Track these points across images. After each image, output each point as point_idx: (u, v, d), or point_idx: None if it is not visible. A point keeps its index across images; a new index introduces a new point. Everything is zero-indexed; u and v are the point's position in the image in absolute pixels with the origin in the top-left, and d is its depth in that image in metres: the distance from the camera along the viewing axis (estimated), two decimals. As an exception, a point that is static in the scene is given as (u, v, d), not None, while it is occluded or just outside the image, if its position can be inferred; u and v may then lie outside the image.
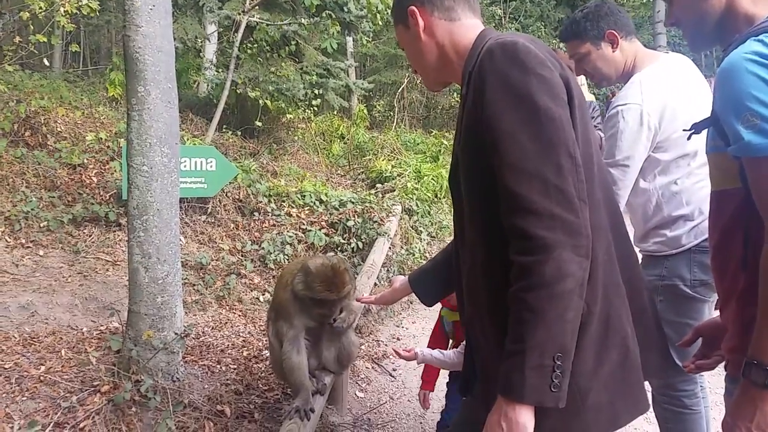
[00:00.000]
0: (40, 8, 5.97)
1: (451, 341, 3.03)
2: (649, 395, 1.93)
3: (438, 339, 3.07)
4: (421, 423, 3.72)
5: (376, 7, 8.03)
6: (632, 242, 1.61)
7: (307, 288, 2.59)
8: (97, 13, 7.67)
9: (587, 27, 2.54)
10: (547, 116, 1.28)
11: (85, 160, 6.35)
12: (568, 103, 1.34)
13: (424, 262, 6.66)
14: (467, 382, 1.71)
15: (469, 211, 1.46)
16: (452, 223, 1.68)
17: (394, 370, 4.38)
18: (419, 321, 5.48)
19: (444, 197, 8.72)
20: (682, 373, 2.40)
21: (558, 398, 1.24)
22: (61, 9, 6.12)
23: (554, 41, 18.21)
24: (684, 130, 1.79)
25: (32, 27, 6.48)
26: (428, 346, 3.00)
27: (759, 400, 1.29)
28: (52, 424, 2.73)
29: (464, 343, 2.86)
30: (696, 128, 1.60)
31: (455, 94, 16.99)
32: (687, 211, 2.37)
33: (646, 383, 1.54)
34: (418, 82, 17.50)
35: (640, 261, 2.33)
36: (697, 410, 2.52)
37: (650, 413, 3.63)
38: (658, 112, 2.33)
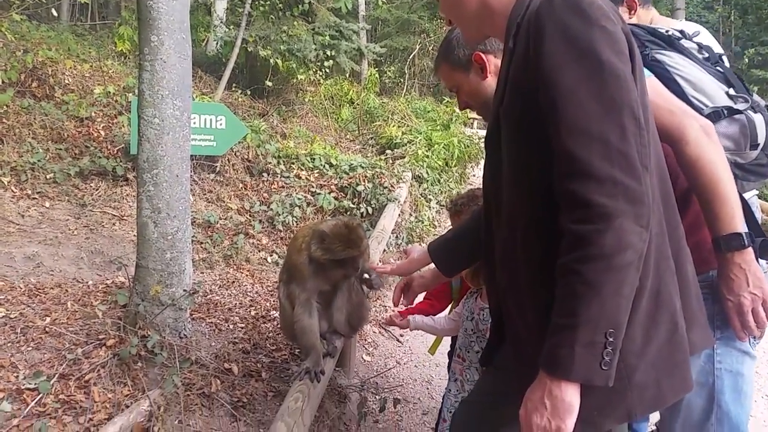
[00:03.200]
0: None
1: (452, 303, 2.97)
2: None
3: (441, 295, 3.01)
4: (428, 389, 3.70)
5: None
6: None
7: (326, 251, 2.52)
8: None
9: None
10: (611, 73, 1.17)
11: (93, 114, 6.25)
12: (630, 60, 1.24)
13: (433, 230, 6.63)
14: (491, 352, 1.64)
15: (511, 175, 1.35)
16: (482, 189, 1.58)
17: (401, 335, 4.34)
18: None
19: (455, 166, 8.61)
20: None
21: (608, 376, 1.16)
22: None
23: None
24: None
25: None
26: (425, 298, 2.99)
27: (743, 262, 1.57)
28: (57, 375, 2.69)
29: (456, 309, 2.83)
30: None
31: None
32: None
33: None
34: (430, 48, 17.25)
35: None
36: None
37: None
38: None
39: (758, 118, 1.73)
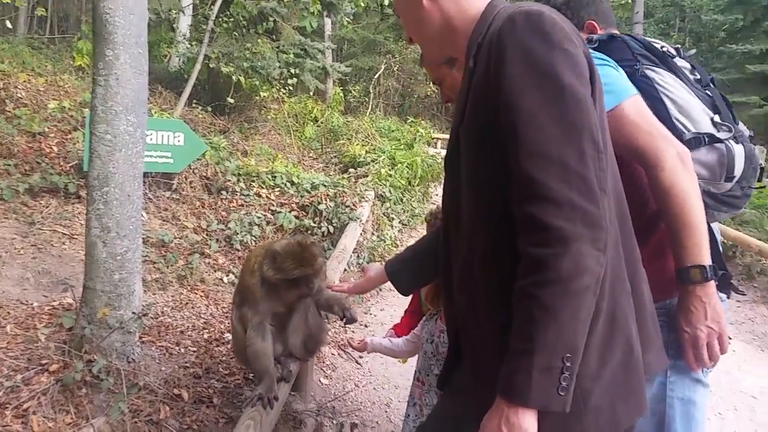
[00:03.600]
0: (3, -34, 5.67)
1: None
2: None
3: (412, 313, 3.01)
4: (386, 411, 3.63)
5: (359, -11, 7.88)
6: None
7: (279, 270, 2.46)
8: (66, -24, 7.34)
9: (567, 15, 2.42)
10: (572, 96, 1.17)
11: (46, 129, 6.07)
12: (590, 83, 1.23)
13: (395, 249, 6.60)
14: (448, 375, 1.61)
15: (470, 196, 1.33)
16: (442, 209, 1.56)
17: (360, 357, 4.27)
18: (387, 308, 5.38)
19: (417, 185, 8.63)
20: None
21: (565, 402, 1.14)
22: (26, -33, 5.81)
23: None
24: None
25: (-6, -14, 6.15)
26: (402, 319, 3.02)
27: (704, 296, 1.56)
28: (-8, 404, 2.55)
29: (414, 331, 2.80)
30: None
31: (431, 84, 16.91)
32: None
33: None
34: (395, 69, 17.42)
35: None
36: None
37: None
38: None
39: (738, 150, 1.72)
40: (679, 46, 1.94)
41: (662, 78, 1.77)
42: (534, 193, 1.14)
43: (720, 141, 1.70)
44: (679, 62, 1.84)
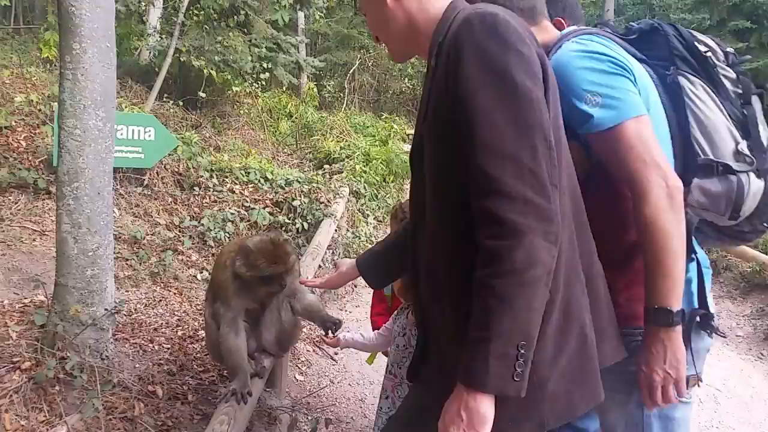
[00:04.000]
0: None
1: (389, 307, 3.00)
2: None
3: (378, 304, 3.06)
4: (361, 407, 3.67)
5: (332, -18, 7.86)
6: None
7: (250, 268, 2.47)
8: (32, -34, 7.18)
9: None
10: (524, 96, 1.22)
11: (13, 123, 5.94)
12: (543, 83, 1.28)
13: (370, 245, 6.63)
14: (416, 366, 1.65)
15: (432, 191, 1.38)
16: (409, 205, 1.60)
17: (335, 353, 4.31)
18: (363, 306, 5.42)
19: (392, 182, 8.67)
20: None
21: (520, 388, 1.20)
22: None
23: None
24: None
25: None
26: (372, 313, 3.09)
27: (666, 340, 1.49)
28: (-38, 403, 2.52)
29: (386, 325, 2.85)
30: None
31: (406, 80, 16.94)
32: None
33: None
34: (370, 64, 17.38)
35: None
36: None
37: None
38: None
39: (756, 186, 1.62)
40: (732, 50, 1.75)
41: (694, 89, 1.65)
42: (489, 188, 1.20)
43: (734, 173, 1.60)
44: (723, 71, 1.69)
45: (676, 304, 1.49)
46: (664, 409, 1.60)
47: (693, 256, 1.63)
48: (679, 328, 1.50)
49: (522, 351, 1.18)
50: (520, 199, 1.18)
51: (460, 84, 1.25)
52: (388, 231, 7.72)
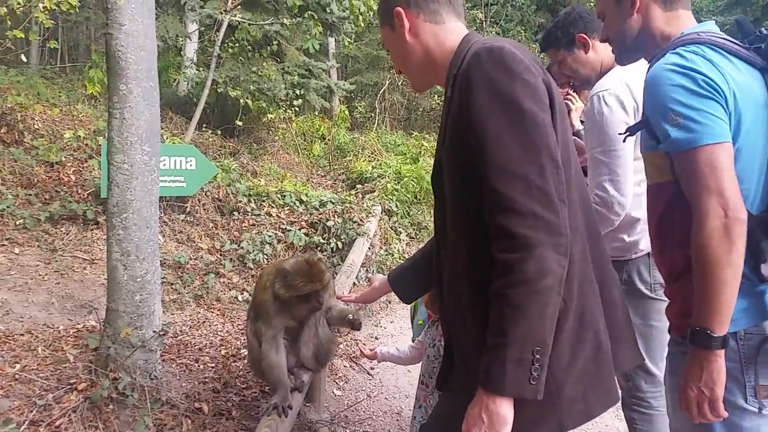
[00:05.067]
0: (18, 3, 5.91)
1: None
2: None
3: None
4: (397, 420, 3.77)
5: (359, 9, 8.06)
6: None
7: (289, 288, 2.62)
8: (77, 10, 7.58)
9: (558, 35, 2.69)
10: (531, 120, 1.33)
11: (63, 158, 6.29)
12: (549, 107, 1.40)
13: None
14: (444, 376, 1.76)
15: (452, 210, 1.49)
16: (433, 223, 1.73)
17: (372, 368, 4.42)
18: (397, 321, 5.53)
19: (424, 199, 8.78)
20: (649, 374, 2.49)
21: (537, 390, 1.29)
22: (40, 5, 6.04)
23: (534, 45, 18.38)
24: (620, 133, 2.06)
25: (9, 22, 6.40)
26: None
27: (704, 360, 1.52)
28: (27, 422, 2.72)
29: (419, 338, 2.95)
30: (631, 131, 1.85)
31: (436, 97, 17.05)
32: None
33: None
34: (400, 83, 17.56)
35: None
36: (664, 411, 2.58)
37: (620, 411, 3.72)
38: (637, 99, 2.35)
39: None
40: None
41: None
42: (501, 205, 1.31)
43: None
44: None
45: (719, 329, 1.50)
46: (730, 416, 1.60)
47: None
48: (720, 352, 1.52)
49: (537, 356, 1.27)
50: (530, 215, 1.28)
51: (472, 111, 1.37)
52: (421, 247, 7.81)
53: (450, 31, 1.59)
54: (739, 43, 1.69)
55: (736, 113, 1.57)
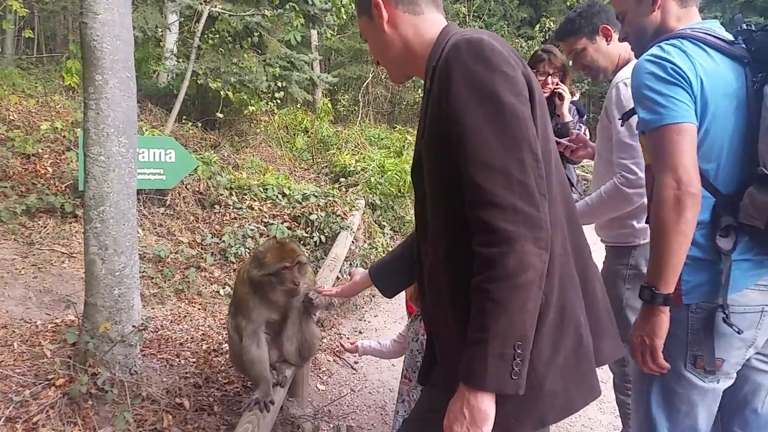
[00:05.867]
0: (-8, -8, 5.79)
1: None
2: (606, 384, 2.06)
3: None
4: (381, 415, 3.76)
5: (341, 1, 8.01)
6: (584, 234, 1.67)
7: (261, 267, 2.61)
8: (53, -1, 7.44)
9: (582, 23, 2.75)
10: (511, 113, 1.31)
11: (40, 150, 6.17)
12: (529, 100, 1.38)
13: (386, 255, 6.72)
14: (427, 370, 1.74)
15: (432, 204, 1.47)
16: (414, 217, 1.71)
17: (355, 362, 4.40)
18: (381, 314, 5.52)
19: (407, 192, 8.78)
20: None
21: (518, 385, 1.27)
22: (15, -7, 5.93)
23: (517, 40, 18.44)
24: (618, 119, 2.27)
25: (-18, 11, 6.26)
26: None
27: (649, 314, 1.76)
28: (2, 419, 2.66)
29: (401, 331, 2.94)
30: (624, 117, 2.08)
31: (419, 90, 17.06)
32: None
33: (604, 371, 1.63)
34: (383, 77, 17.55)
35: (604, 252, 2.68)
36: None
37: (603, 404, 3.75)
38: None
39: None
40: None
41: None
42: (481, 199, 1.29)
43: None
44: None
45: (663, 288, 1.71)
46: (665, 378, 1.83)
47: (725, 254, 1.75)
48: (663, 308, 1.73)
49: (519, 351, 1.26)
50: (510, 209, 1.26)
51: (451, 104, 1.34)
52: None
53: (429, 22, 1.56)
54: (724, 38, 1.81)
55: (702, 99, 1.73)
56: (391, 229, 7.59)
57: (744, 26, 1.81)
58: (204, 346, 3.83)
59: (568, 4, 20.04)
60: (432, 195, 1.47)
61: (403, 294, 2.60)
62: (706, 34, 1.81)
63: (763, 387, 1.93)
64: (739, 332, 1.74)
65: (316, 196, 6.74)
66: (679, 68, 1.71)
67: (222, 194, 6.50)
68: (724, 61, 1.77)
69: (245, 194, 6.69)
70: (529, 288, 1.27)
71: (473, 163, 1.30)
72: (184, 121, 9.12)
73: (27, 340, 3.39)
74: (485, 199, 1.28)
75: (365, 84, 17.05)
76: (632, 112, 1.92)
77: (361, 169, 9.42)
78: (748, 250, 1.78)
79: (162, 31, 10.75)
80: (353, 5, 7.98)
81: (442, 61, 1.40)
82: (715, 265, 1.76)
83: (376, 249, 6.62)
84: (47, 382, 2.94)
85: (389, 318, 5.36)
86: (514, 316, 1.26)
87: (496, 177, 1.28)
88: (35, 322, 3.74)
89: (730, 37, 1.84)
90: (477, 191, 1.30)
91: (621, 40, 2.16)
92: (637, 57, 2.07)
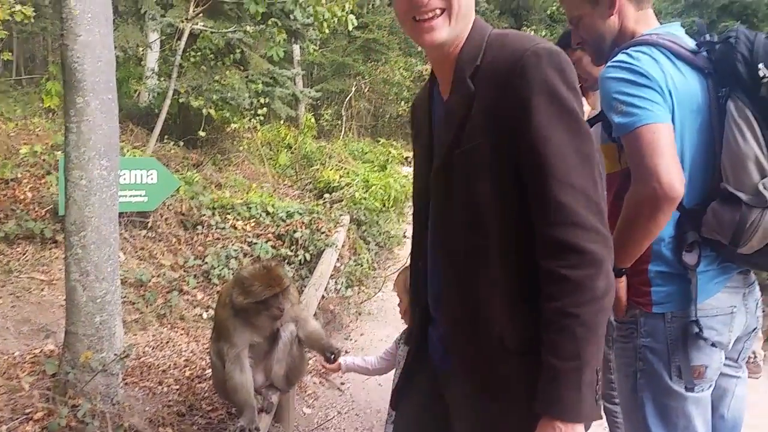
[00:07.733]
0: (-32, 15, 5.71)
1: None
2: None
3: None
4: (369, 437, 3.71)
5: (323, 15, 7.98)
6: None
7: (246, 294, 2.55)
8: (32, 20, 7.37)
9: None
10: (586, 132, 1.31)
11: (19, 174, 6.05)
12: None
13: (373, 272, 6.67)
14: (399, 394, 1.70)
15: (471, 216, 1.37)
16: (411, 226, 1.67)
17: (342, 384, 4.35)
18: (367, 333, 5.47)
19: (392, 207, 8.76)
20: None
21: (600, 412, 1.26)
22: (-9, 16, 5.87)
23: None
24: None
25: (-41, 34, 6.18)
26: None
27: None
28: (-21, 457, 2.59)
29: (388, 348, 2.89)
30: (589, 123, 1.92)
31: (402, 103, 17.13)
32: None
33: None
34: (366, 90, 17.60)
35: None
36: None
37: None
38: None
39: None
40: None
41: (737, 116, 1.69)
42: (565, 219, 1.24)
43: (745, 206, 1.67)
44: None
45: (619, 265, 1.72)
46: (657, 395, 1.82)
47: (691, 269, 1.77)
48: (620, 279, 1.79)
49: (598, 375, 1.23)
50: (593, 230, 1.25)
51: (533, 118, 1.27)
52: (390, 257, 7.72)
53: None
54: (686, 47, 1.81)
55: (679, 103, 1.72)
56: (376, 245, 7.56)
57: (707, 37, 1.80)
58: (187, 373, 3.76)
59: (548, 13, 20.30)
60: (473, 206, 1.37)
61: (387, 311, 2.57)
62: (672, 42, 1.79)
63: (728, 391, 1.95)
64: (713, 345, 1.76)
65: (300, 214, 6.70)
66: (650, 74, 1.70)
67: (205, 214, 6.42)
68: (689, 73, 1.77)
69: (228, 213, 6.62)
70: (609, 310, 1.28)
71: (557, 182, 1.25)
72: (166, 140, 9.05)
73: (4, 373, 3.30)
74: (570, 219, 1.24)
75: (348, 98, 17.07)
76: (595, 119, 1.93)
77: (346, 185, 9.40)
78: (712, 262, 1.80)
79: (143, 50, 10.71)
80: (335, 19, 7.96)
81: (516, 66, 1.30)
82: (683, 277, 1.78)
83: (362, 265, 6.58)
84: (25, 417, 2.86)
85: (376, 336, 5.31)
86: (600, 340, 1.24)
87: (578, 196, 1.25)
88: (13, 354, 3.65)
89: (692, 45, 1.84)
90: (560, 210, 1.25)
91: (576, 45, 2.13)
92: (595, 63, 2.10)
